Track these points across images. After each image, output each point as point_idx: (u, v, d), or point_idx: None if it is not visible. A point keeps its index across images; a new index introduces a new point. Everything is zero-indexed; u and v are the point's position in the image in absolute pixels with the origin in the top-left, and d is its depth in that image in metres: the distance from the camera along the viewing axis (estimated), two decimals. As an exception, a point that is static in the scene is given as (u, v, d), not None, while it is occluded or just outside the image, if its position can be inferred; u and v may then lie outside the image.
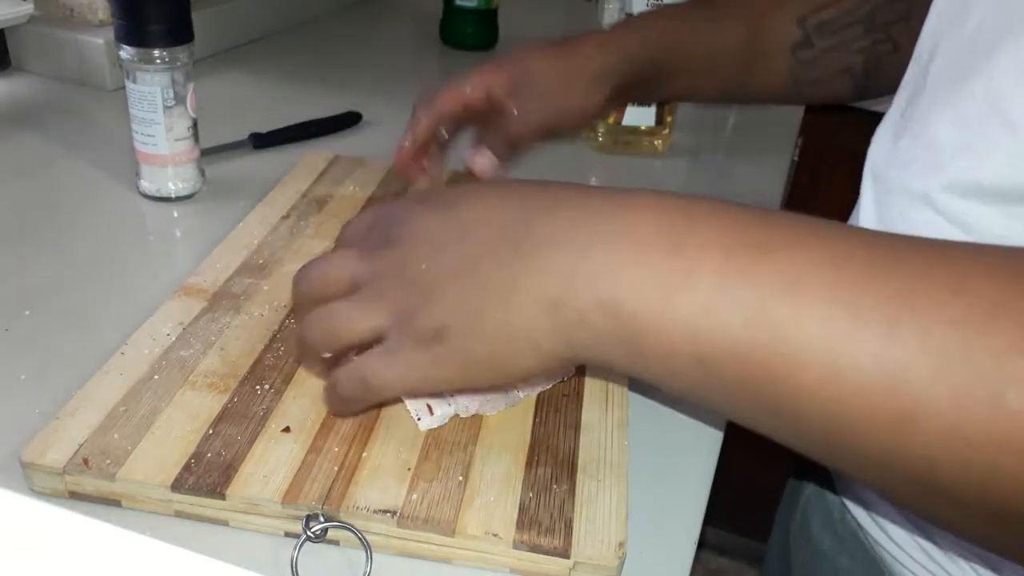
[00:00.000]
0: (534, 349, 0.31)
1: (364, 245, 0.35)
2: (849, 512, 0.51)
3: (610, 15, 0.89)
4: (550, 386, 0.46)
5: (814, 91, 0.61)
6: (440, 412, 0.42)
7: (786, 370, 0.25)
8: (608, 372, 0.44)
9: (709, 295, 0.27)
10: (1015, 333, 0.22)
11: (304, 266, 0.37)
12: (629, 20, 0.60)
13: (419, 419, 0.42)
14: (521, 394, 0.45)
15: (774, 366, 0.26)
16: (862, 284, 0.25)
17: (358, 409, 0.40)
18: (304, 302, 0.36)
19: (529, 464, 0.41)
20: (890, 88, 0.48)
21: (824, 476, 0.56)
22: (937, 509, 0.26)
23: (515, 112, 0.55)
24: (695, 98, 0.67)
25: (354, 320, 0.34)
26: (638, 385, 0.49)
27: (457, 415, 0.43)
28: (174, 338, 0.47)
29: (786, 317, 0.25)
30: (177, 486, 0.38)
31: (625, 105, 0.66)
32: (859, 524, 0.50)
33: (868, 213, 0.44)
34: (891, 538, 0.47)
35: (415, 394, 0.40)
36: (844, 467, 0.27)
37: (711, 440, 0.47)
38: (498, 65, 0.56)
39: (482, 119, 0.58)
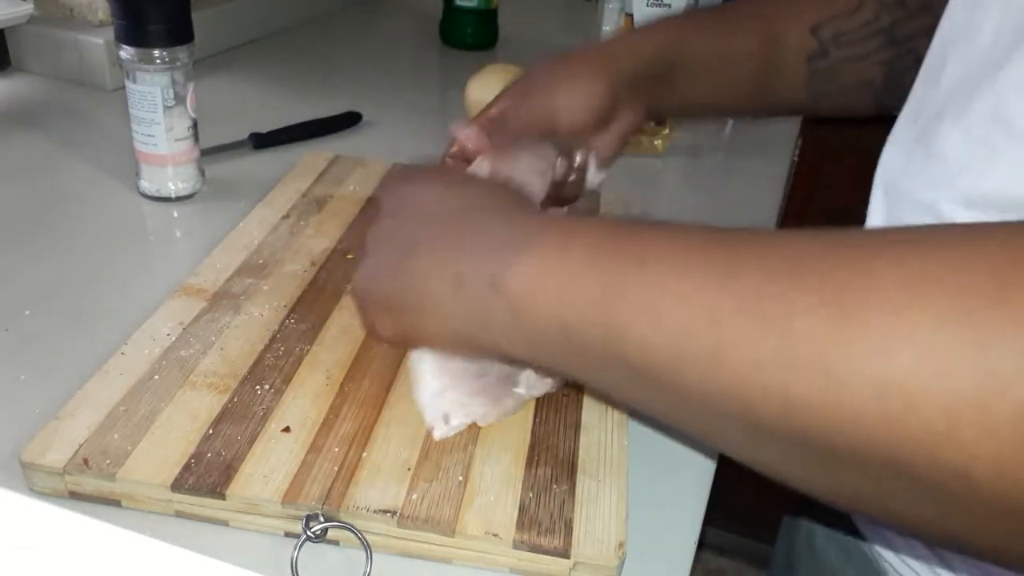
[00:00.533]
0: (444, 317, 0.37)
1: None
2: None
3: (610, 15, 0.89)
4: (553, 388, 0.46)
5: (833, 103, 0.60)
6: (457, 422, 0.42)
7: (623, 330, 0.30)
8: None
9: (576, 272, 0.32)
10: (805, 286, 0.26)
11: None
12: (639, 27, 0.59)
13: (433, 428, 0.42)
14: (533, 394, 0.45)
15: (616, 328, 0.30)
16: (688, 256, 0.30)
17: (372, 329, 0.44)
18: None
19: (529, 464, 0.41)
20: None
21: (824, 510, 0.55)
22: (758, 447, 0.29)
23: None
24: (714, 109, 0.66)
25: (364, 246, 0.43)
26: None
27: (475, 423, 0.43)
28: (174, 338, 0.47)
29: (628, 286, 0.30)
30: (177, 486, 0.38)
31: (641, 122, 0.63)
32: (865, 538, 0.50)
33: (877, 223, 0.44)
34: (899, 555, 0.46)
35: (378, 335, 0.43)
36: (681, 418, 0.31)
37: (711, 440, 0.47)
38: (509, 98, 0.55)
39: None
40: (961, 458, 0.22)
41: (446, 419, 0.42)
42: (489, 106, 0.55)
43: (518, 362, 0.46)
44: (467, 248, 0.36)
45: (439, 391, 0.43)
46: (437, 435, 0.42)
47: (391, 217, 0.42)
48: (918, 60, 0.56)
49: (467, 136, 0.53)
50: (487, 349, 0.37)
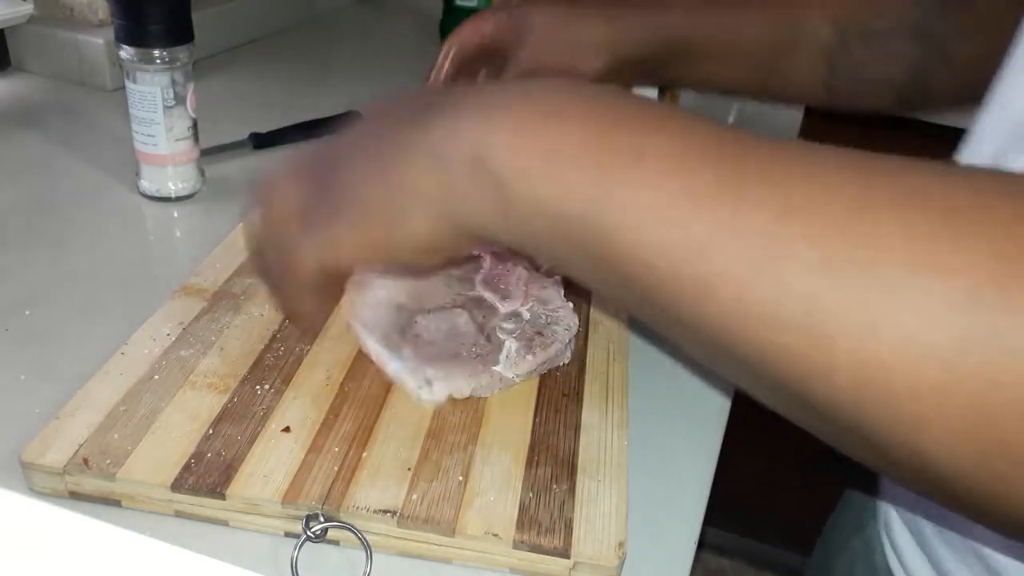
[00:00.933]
0: (420, 207, 0.33)
1: None
2: None
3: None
4: (535, 368, 0.46)
5: (849, 99, 0.58)
6: (439, 387, 0.44)
7: (613, 230, 0.28)
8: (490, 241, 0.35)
9: (564, 163, 0.29)
10: (812, 237, 0.25)
11: None
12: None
13: (420, 390, 0.44)
14: (516, 379, 0.45)
15: (606, 226, 0.28)
16: (694, 167, 0.27)
17: (302, 303, 0.40)
18: None
19: (529, 464, 0.41)
20: (939, 105, 0.44)
21: (869, 482, 0.54)
22: (741, 378, 0.29)
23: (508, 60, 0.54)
24: (715, 86, 0.62)
25: (282, 196, 0.39)
26: (639, 384, 0.49)
27: (451, 396, 0.44)
28: (174, 338, 0.47)
29: (622, 182, 0.28)
30: (177, 486, 0.38)
31: (633, 81, 0.61)
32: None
33: None
34: None
35: (331, 261, 0.37)
36: (662, 328, 0.30)
37: (711, 440, 0.47)
38: (506, 9, 0.55)
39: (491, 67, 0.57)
40: (915, 434, 0.23)
41: (429, 384, 0.43)
42: (489, 20, 0.54)
43: (495, 341, 0.46)
44: (430, 127, 0.33)
45: (403, 358, 0.44)
46: (424, 396, 0.43)
47: (347, 139, 0.40)
48: (948, 59, 0.52)
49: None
50: (476, 237, 0.34)
